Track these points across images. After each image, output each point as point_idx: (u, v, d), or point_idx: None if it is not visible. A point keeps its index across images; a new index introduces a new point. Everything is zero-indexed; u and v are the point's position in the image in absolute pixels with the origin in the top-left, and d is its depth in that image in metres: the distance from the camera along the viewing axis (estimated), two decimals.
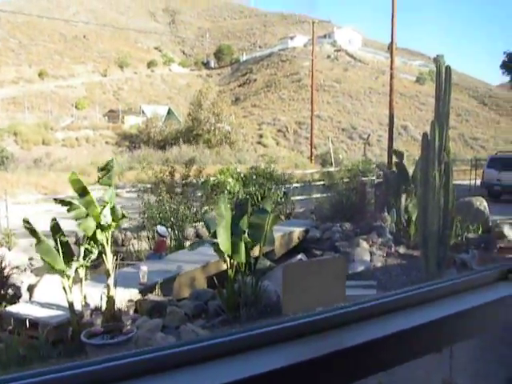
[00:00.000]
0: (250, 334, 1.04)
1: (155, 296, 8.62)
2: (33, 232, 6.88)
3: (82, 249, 7.27)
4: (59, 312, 7.58)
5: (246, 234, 8.12)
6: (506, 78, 29.24)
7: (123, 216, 7.64)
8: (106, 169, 7.37)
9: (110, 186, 7.45)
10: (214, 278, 8.61)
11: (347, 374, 1.06)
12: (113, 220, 7.36)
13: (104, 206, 7.22)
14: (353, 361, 1.07)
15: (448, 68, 10.12)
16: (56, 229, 7.19)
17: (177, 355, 0.94)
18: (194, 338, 1.03)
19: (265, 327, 1.06)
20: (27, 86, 67.61)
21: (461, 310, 1.27)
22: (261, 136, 52.16)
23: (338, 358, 1.03)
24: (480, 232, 13.54)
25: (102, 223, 7.18)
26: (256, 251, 8.48)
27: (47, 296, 8.36)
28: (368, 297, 1.30)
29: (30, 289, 9.03)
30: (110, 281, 7.50)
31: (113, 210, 7.33)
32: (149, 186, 15.84)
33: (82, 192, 7.18)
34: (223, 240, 7.89)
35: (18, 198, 21.24)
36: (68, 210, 6.93)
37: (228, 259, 8.14)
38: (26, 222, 6.93)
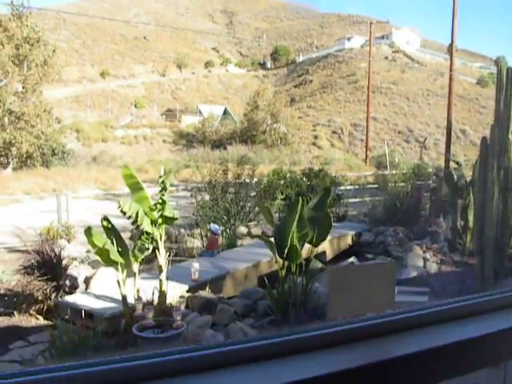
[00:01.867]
0: (291, 338, 1.02)
1: (206, 293, 8.72)
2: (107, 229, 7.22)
3: (137, 244, 7.43)
4: (113, 304, 7.78)
5: (299, 235, 8.10)
6: None
7: (174, 218, 7.78)
8: (164, 174, 7.65)
9: (166, 189, 7.59)
10: (265, 278, 8.65)
11: None
12: (166, 218, 7.51)
13: (159, 205, 7.37)
14: (395, 372, 1.01)
15: (510, 69, 9.84)
16: (109, 224, 7.39)
17: (218, 356, 0.94)
18: (231, 341, 1.03)
19: (307, 332, 1.04)
20: (90, 85, 69.58)
21: None
22: (315, 137, 51.94)
23: (379, 368, 0.99)
24: None
25: (156, 219, 7.35)
26: (307, 252, 8.47)
27: (102, 288, 8.59)
28: (417, 305, 1.21)
29: (87, 280, 9.30)
30: (163, 276, 7.64)
31: (165, 208, 7.47)
32: (202, 185, 16.04)
33: (136, 187, 7.35)
34: (279, 239, 7.92)
35: (79, 192, 21.93)
36: (121, 209, 7.07)
37: (280, 259, 8.15)
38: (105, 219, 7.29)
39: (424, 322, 1.15)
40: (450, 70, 26.49)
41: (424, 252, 12.52)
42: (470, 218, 12.81)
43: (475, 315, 1.22)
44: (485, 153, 9.96)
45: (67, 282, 9.16)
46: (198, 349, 0.93)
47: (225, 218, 13.56)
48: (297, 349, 0.99)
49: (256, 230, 14.62)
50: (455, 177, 14.46)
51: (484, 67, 76.33)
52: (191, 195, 15.30)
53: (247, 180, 15.59)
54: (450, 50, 27.18)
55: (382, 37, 79.47)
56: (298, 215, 7.67)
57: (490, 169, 9.72)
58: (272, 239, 8.31)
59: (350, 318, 1.15)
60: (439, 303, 1.24)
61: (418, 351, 1.03)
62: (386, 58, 74.06)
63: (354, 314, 1.16)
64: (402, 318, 1.15)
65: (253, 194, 16.01)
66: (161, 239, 7.61)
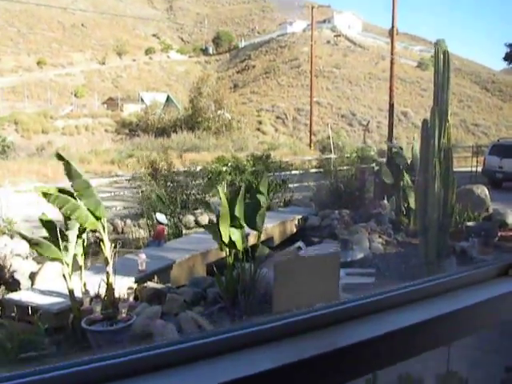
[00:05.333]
0: (237, 333, 0.99)
1: (154, 283, 8.68)
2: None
3: (75, 237, 7.24)
4: (60, 299, 7.64)
5: (243, 222, 8.14)
6: (510, 65, 28.66)
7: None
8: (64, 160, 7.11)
9: (78, 177, 7.14)
10: (213, 266, 8.66)
11: (340, 375, 1.01)
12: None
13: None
14: (346, 361, 1.01)
15: (446, 52, 10.01)
16: (47, 219, 7.19)
17: (164, 355, 0.90)
18: (181, 338, 1.00)
19: (253, 326, 1.02)
20: (26, 75, 67.43)
21: (460, 307, 1.22)
22: (260, 123, 52.07)
23: (330, 358, 0.98)
24: (481, 220, 13.46)
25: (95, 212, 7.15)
26: (254, 238, 8.52)
27: (49, 283, 8.44)
28: (365, 286, 1.23)
29: (32, 276, 9.11)
30: (109, 268, 7.54)
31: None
32: (147, 173, 15.83)
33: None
34: (222, 227, 7.93)
35: (20, 186, 21.28)
36: (51, 201, 6.82)
37: (225, 246, 8.17)
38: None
39: (372, 310, 1.15)
40: (391, 54, 26.89)
41: (369, 234, 12.77)
42: (411, 199, 13.15)
43: (421, 300, 1.24)
44: (426, 135, 10.13)
45: (11, 279, 8.93)
46: (139, 350, 0.89)
47: (171, 207, 13.46)
48: (243, 344, 0.97)
49: (203, 218, 14.60)
50: (397, 160, 14.80)
51: (424, 50, 77.92)
52: (133, 186, 15.08)
53: (192, 168, 15.51)
54: (391, 33, 27.48)
55: (324, 21, 79.98)
56: (241, 203, 7.71)
57: (431, 150, 9.92)
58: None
59: (296, 310, 1.14)
60: (386, 290, 1.25)
61: (367, 339, 1.03)
62: (328, 42, 74.67)
63: (299, 305, 1.14)
64: (351, 306, 1.15)
65: (198, 181, 15.93)
66: (104, 231, 7.49)
